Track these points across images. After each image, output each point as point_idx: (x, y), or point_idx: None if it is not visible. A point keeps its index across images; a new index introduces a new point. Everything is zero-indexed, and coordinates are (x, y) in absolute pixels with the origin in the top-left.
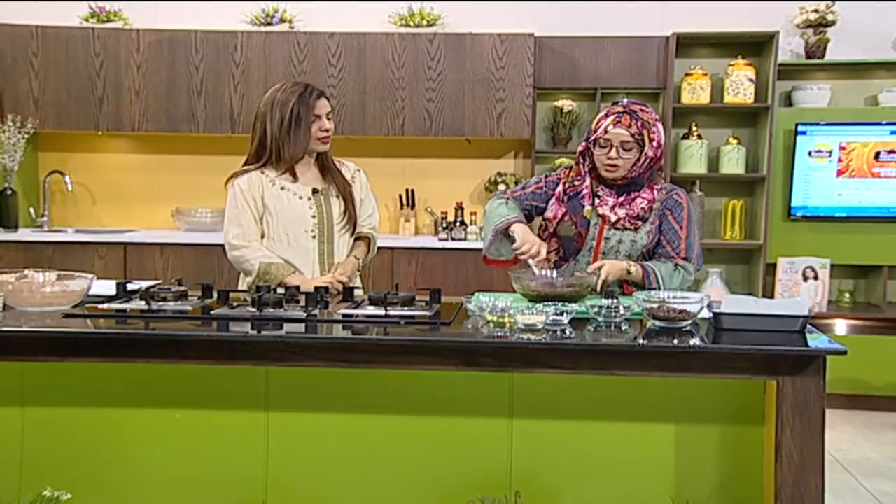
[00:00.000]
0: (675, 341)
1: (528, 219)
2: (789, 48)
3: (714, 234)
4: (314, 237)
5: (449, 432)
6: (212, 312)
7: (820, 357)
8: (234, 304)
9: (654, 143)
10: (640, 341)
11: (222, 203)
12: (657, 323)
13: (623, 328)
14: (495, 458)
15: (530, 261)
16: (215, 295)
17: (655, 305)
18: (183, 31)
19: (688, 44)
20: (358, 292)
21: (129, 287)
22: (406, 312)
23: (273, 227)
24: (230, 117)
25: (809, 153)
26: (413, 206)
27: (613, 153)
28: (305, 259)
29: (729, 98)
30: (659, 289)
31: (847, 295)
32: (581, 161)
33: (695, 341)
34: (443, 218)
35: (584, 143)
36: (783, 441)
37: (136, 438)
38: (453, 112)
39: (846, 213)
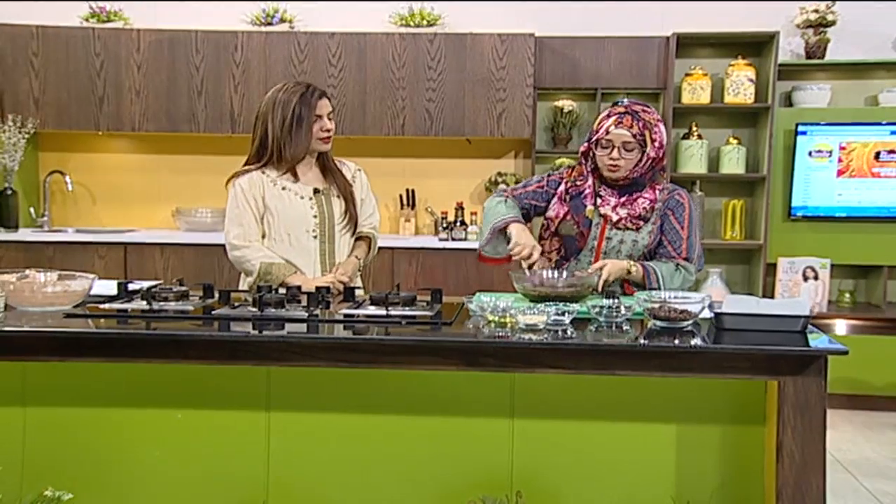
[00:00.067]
0: (677, 341)
1: (527, 218)
2: (789, 48)
3: (714, 234)
4: (315, 237)
5: (450, 432)
6: (213, 312)
7: (821, 357)
8: (236, 304)
9: (656, 144)
10: (642, 341)
11: (223, 203)
12: (658, 323)
13: (624, 328)
14: (496, 457)
15: (522, 262)
16: (216, 295)
17: (656, 305)
18: (183, 31)
19: (688, 44)
20: (359, 292)
21: (131, 287)
22: (407, 312)
23: (274, 227)
24: (230, 117)
25: (810, 153)
26: (413, 206)
27: (615, 154)
28: (306, 259)
29: (729, 98)
30: (659, 289)
31: (847, 295)
32: (583, 161)
33: (696, 341)
34: (443, 218)
35: (585, 144)
36: (784, 441)
37: (138, 438)
38: (453, 112)
39: (846, 213)
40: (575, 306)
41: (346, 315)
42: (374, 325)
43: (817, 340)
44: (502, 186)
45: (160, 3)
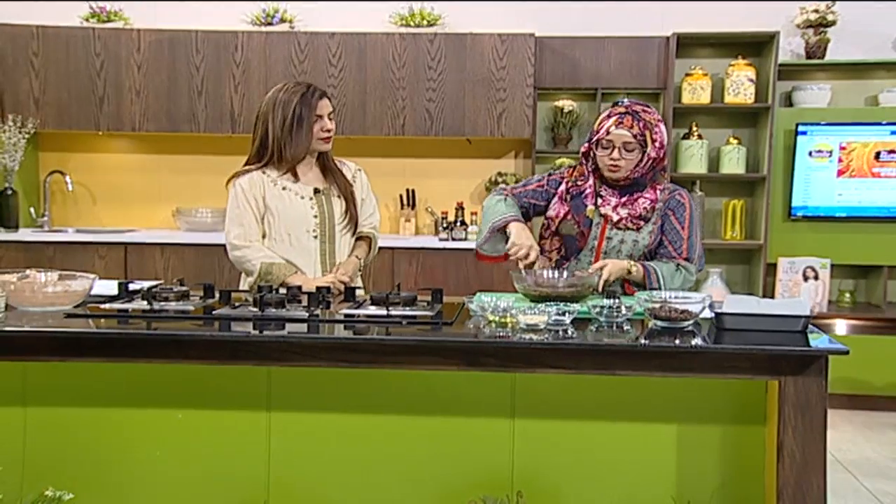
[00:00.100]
0: (677, 341)
1: (526, 217)
2: (789, 48)
3: (714, 234)
4: (316, 237)
5: (451, 432)
6: (214, 312)
7: (822, 357)
8: (236, 304)
9: (657, 144)
10: (642, 341)
11: (223, 203)
12: (659, 323)
13: (625, 328)
14: (497, 457)
15: (519, 262)
16: (217, 295)
17: (657, 305)
18: (183, 31)
19: (688, 44)
20: (359, 292)
21: (131, 287)
22: (408, 312)
23: (274, 227)
24: (230, 117)
25: (810, 153)
26: (413, 206)
27: (616, 154)
28: (307, 259)
29: (729, 98)
30: (660, 289)
31: (847, 295)
32: (584, 162)
33: (696, 341)
34: (443, 218)
35: (586, 144)
36: (785, 441)
37: (138, 438)
38: (453, 112)
39: (846, 213)
40: (575, 306)
41: (346, 315)
42: (375, 325)
43: (818, 340)
44: (502, 185)
45: (160, 3)
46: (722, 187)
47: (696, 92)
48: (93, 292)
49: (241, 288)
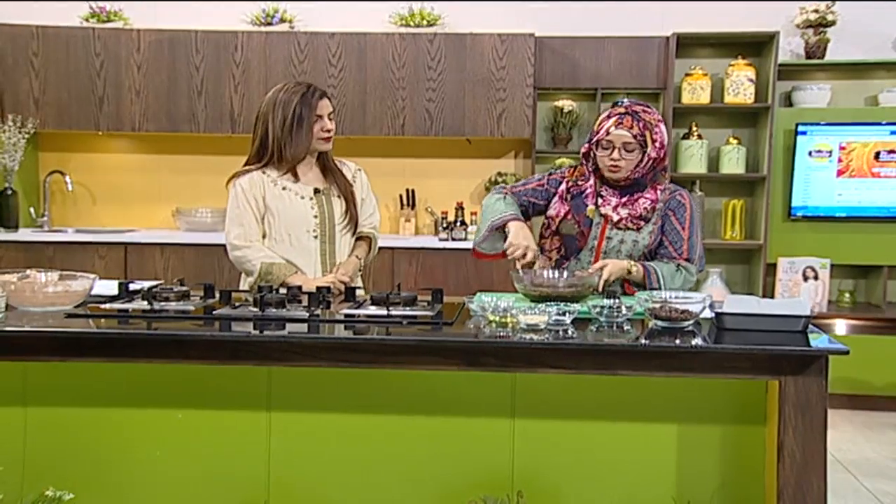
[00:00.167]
0: (678, 341)
1: (525, 216)
2: (789, 48)
3: (714, 234)
4: (316, 237)
5: (451, 432)
6: (214, 312)
7: (822, 357)
8: (237, 304)
9: (657, 144)
10: (643, 341)
11: (223, 203)
12: (659, 323)
13: (625, 328)
14: (497, 457)
15: (516, 262)
16: (217, 295)
17: (657, 305)
18: (183, 31)
19: (688, 44)
20: (359, 292)
21: (132, 287)
22: (408, 312)
23: (275, 227)
24: (230, 117)
25: (809, 153)
26: (413, 206)
27: (616, 154)
28: (307, 259)
29: (729, 98)
30: (660, 289)
31: (847, 295)
32: (584, 162)
33: (697, 341)
34: (443, 218)
35: (586, 145)
36: (785, 441)
37: (139, 438)
38: (453, 112)
39: (846, 213)
40: (576, 306)
41: (347, 315)
42: (375, 325)
43: (818, 340)
44: (501, 184)
45: (160, 3)
46: (722, 187)
47: (696, 92)
48: (93, 292)
49: (241, 288)
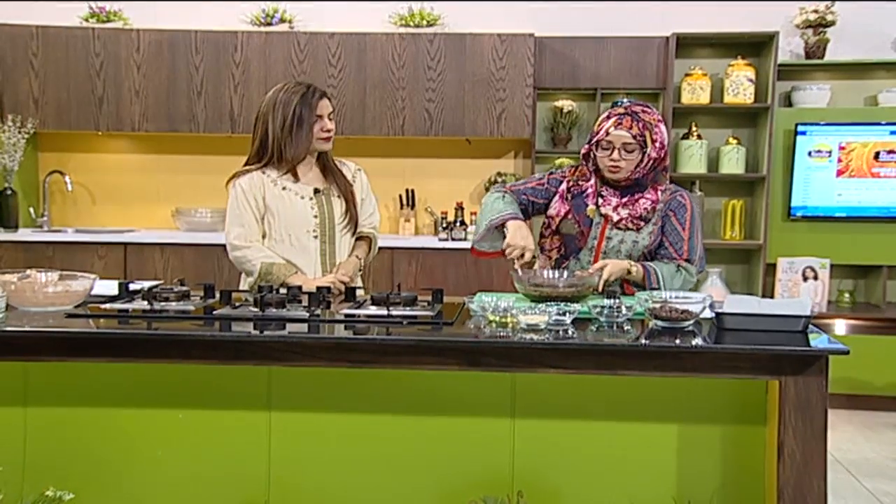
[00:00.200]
0: (678, 341)
1: (525, 214)
2: (789, 48)
3: (714, 234)
4: (316, 237)
5: (451, 432)
6: (214, 312)
7: (822, 357)
8: (237, 304)
9: (657, 144)
10: (643, 341)
11: (222, 203)
12: (659, 323)
13: (625, 328)
14: (497, 458)
15: (515, 261)
16: (217, 295)
17: (658, 305)
18: (183, 31)
19: (688, 44)
20: (360, 292)
21: (132, 287)
22: (408, 312)
23: (275, 227)
24: (230, 117)
25: (809, 153)
26: (413, 206)
27: (616, 155)
28: (307, 259)
29: (729, 98)
30: (660, 289)
31: (847, 295)
32: (584, 163)
33: (697, 341)
34: (443, 218)
35: (587, 146)
36: (785, 441)
37: (139, 438)
38: (453, 112)
39: (846, 213)
40: (576, 306)
41: (347, 315)
42: (376, 325)
43: (818, 340)
44: (501, 182)
45: (160, 3)
46: (721, 187)
47: (696, 92)
48: (93, 292)
49: (240, 288)
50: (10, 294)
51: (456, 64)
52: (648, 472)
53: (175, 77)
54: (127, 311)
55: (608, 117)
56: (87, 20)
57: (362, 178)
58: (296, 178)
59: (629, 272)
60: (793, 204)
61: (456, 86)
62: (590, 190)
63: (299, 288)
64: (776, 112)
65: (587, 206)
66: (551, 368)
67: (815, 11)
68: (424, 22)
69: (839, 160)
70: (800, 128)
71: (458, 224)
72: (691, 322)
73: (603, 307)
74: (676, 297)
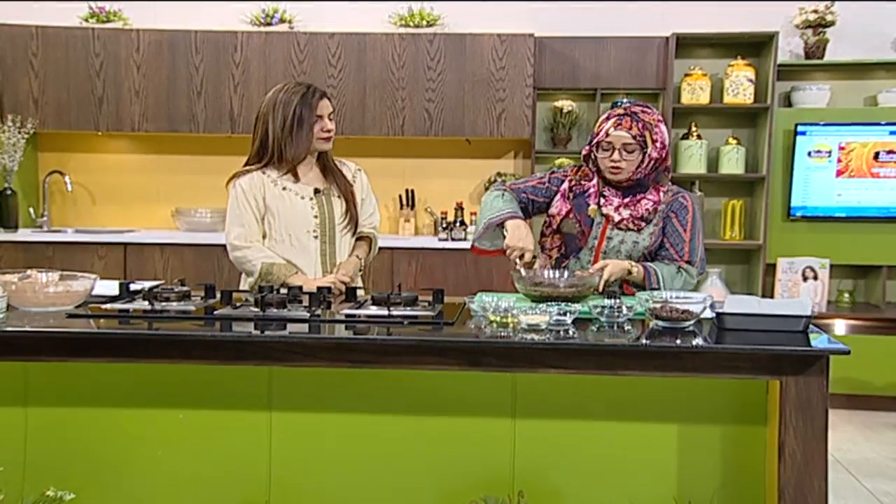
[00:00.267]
0: (678, 341)
1: (525, 213)
2: (789, 48)
3: (714, 234)
4: (316, 237)
5: (452, 432)
6: (215, 313)
7: (823, 357)
8: (237, 304)
9: (658, 145)
10: (644, 341)
11: (222, 203)
12: (660, 323)
13: (626, 328)
14: (498, 458)
15: (517, 262)
16: (218, 295)
17: (658, 305)
18: (183, 31)
19: (687, 44)
20: (360, 292)
21: (132, 287)
22: (409, 312)
23: (275, 227)
24: (230, 117)
25: (809, 153)
26: (413, 207)
27: (616, 156)
28: (307, 259)
29: (728, 98)
30: (660, 290)
31: (847, 295)
32: (585, 164)
33: (698, 341)
34: (443, 218)
35: (587, 147)
36: (786, 441)
37: (140, 438)
38: (453, 112)
39: (846, 213)
40: (577, 306)
41: (347, 315)
42: (376, 325)
43: (819, 340)
44: (501, 180)
45: (160, 4)
46: (721, 187)
47: (696, 92)
48: (93, 293)
49: (241, 288)
50: (11, 294)
51: (456, 64)
52: (649, 472)
53: (175, 77)
54: (128, 311)
55: (608, 118)
56: (86, 20)
57: (362, 178)
58: (296, 179)
59: (630, 272)
60: (792, 204)
61: (456, 86)
62: (592, 190)
63: (300, 288)
64: (776, 112)
65: (588, 205)
66: (552, 368)
67: (815, 11)
68: (424, 22)
69: (839, 160)
70: (799, 128)
71: (458, 224)
72: (692, 322)
73: (604, 307)
74: (677, 297)
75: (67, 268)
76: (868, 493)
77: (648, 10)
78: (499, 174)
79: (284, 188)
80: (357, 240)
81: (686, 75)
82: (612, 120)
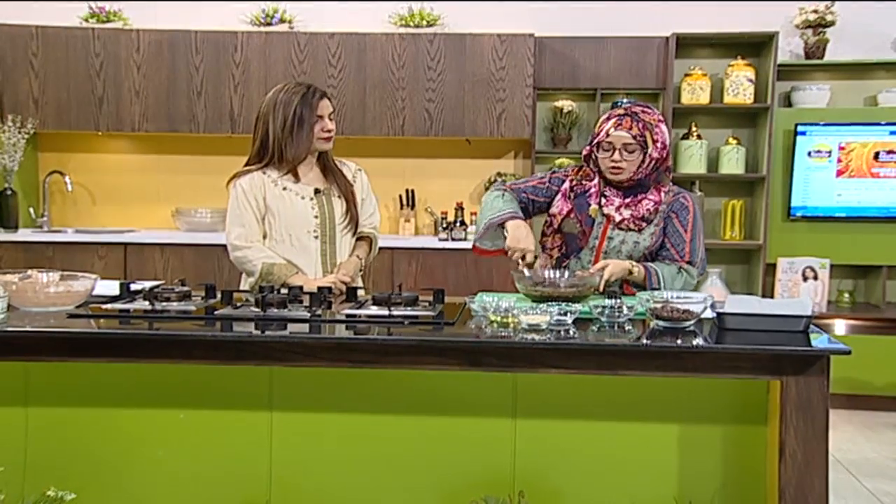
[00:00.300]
0: (679, 341)
1: (526, 213)
2: (789, 48)
3: (714, 234)
4: (316, 237)
5: (452, 432)
6: (216, 313)
7: (824, 357)
8: (238, 304)
9: (658, 145)
10: (644, 341)
11: (222, 203)
12: (660, 323)
13: (626, 328)
14: (499, 458)
15: (520, 263)
16: (218, 295)
17: (659, 305)
18: (183, 31)
19: (688, 44)
20: (361, 292)
21: (133, 287)
22: (409, 312)
23: (275, 227)
24: (230, 118)
25: (809, 153)
26: (413, 207)
27: (616, 156)
28: (308, 259)
29: (728, 98)
30: (660, 290)
31: (847, 295)
32: (586, 165)
33: (698, 341)
34: (443, 218)
35: (588, 147)
36: (787, 441)
37: (140, 438)
38: (453, 112)
39: (846, 213)
40: (577, 306)
41: (348, 315)
42: (377, 325)
43: (819, 340)
44: (501, 180)
45: (160, 4)
46: (721, 187)
47: (696, 92)
48: (93, 293)
49: (241, 288)
50: (12, 294)
51: (456, 64)
52: (650, 473)
53: (175, 77)
54: (128, 311)
55: (608, 118)
56: (86, 20)
57: (363, 178)
58: (296, 179)
59: (630, 272)
60: (792, 204)
61: (456, 86)
62: (593, 190)
63: (300, 288)
64: (776, 112)
65: (590, 205)
66: (553, 368)
67: (815, 11)
68: (424, 22)
69: (839, 160)
70: (799, 128)
71: (458, 224)
72: (692, 322)
73: (604, 307)
74: (678, 297)
75: (68, 268)
76: (868, 494)
77: (648, 10)
78: (499, 174)
79: (285, 188)
80: (357, 240)
81: (686, 75)
82: (613, 120)
